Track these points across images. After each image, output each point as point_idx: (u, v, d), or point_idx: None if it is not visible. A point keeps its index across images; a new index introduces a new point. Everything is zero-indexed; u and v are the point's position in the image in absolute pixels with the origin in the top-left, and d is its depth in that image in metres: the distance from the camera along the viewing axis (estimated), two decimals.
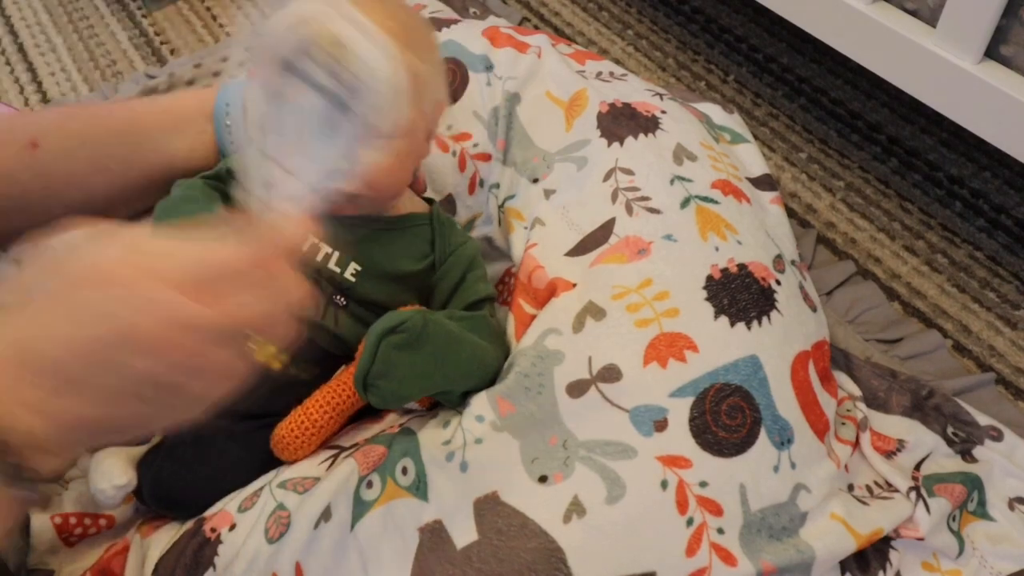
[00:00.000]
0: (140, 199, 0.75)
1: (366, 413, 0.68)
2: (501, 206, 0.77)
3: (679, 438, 0.59)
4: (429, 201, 0.72)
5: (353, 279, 0.63)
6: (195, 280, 0.37)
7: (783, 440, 0.61)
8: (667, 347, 0.61)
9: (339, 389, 0.63)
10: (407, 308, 0.63)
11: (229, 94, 0.72)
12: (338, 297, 0.63)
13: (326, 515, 0.57)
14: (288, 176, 0.41)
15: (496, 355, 0.64)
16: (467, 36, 0.84)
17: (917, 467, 0.71)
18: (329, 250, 0.63)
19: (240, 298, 0.38)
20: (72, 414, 0.37)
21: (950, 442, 0.72)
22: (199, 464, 0.64)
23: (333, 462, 0.63)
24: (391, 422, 0.67)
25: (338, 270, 0.63)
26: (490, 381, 0.63)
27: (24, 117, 0.68)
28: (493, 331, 0.65)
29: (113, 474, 0.63)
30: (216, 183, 0.66)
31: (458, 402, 0.63)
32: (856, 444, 0.71)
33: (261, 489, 0.62)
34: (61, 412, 0.36)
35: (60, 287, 0.38)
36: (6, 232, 0.57)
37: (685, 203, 0.69)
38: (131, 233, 0.39)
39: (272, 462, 0.64)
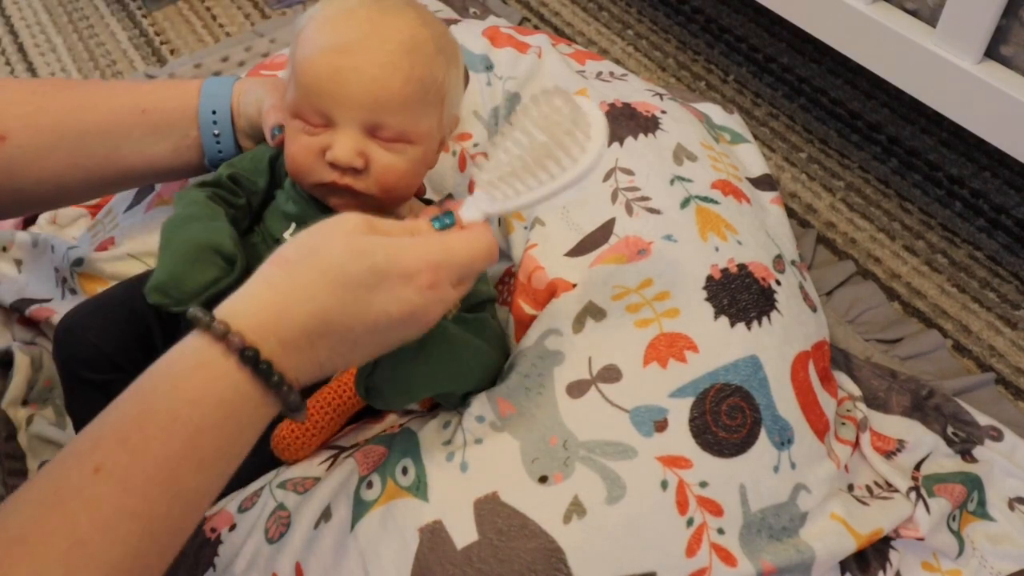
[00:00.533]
0: (119, 190, 0.74)
1: (367, 413, 0.68)
2: None
3: (679, 438, 0.59)
4: (428, 203, 0.72)
5: None
6: (461, 277, 0.49)
7: (783, 440, 0.61)
8: (667, 347, 0.61)
9: (340, 390, 0.63)
10: None
11: (215, 100, 0.69)
12: None
13: (326, 515, 0.58)
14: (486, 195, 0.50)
15: (497, 356, 0.64)
16: (467, 36, 0.84)
17: (917, 467, 0.71)
18: None
19: (459, 243, 0.49)
20: (339, 363, 0.47)
21: (950, 442, 0.72)
22: None
23: (333, 462, 0.63)
24: (391, 422, 0.67)
25: None
26: (491, 382, 0.63)
27: None
28: (494, 332, 0.64)
29: None
30: (215, 190, 0.65)
31: (459, 403, 0.63)
32: (856, 444, 0.71)
33: (261, 489, 0.62)
34: (337, 365, 0.47)
35: (368, 275, 0.45)
36: None
37: (685, 203, 0.69)
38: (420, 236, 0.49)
39: (272, 462, 0.64)
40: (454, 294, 0.49)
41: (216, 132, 0.69)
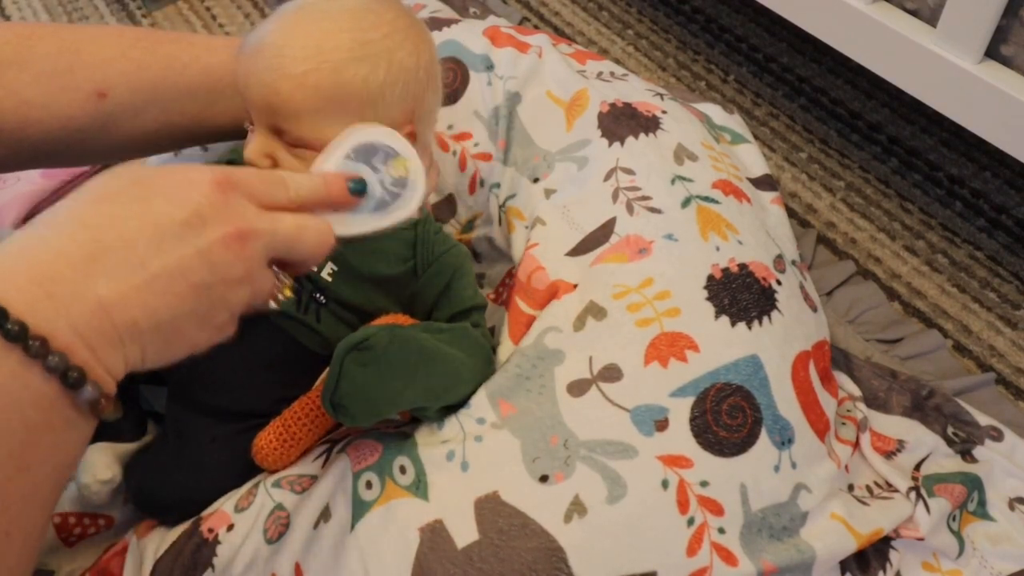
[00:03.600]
0: (208, 143, 0.73)
1: None
2: (502, 206, 0.77)
3: (680, 438, 0.58)
4: (421, 208, 0.70)
5: (329, 279, 0.62)
6: (253, 199, 0.42)
7: (784, 440, 0.61)
8: (668, 347, 0.61)
9: (318, 401, 0.62)
10: (381, 320, 0.62)
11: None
12: (318, 295, 0.62)
13: (325, 515, 0.57)
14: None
15: (477, 368, 0.62)
16: (468, 36, 0.84)
17: (917, 467, 0.71)
18: None
19: (289, 216, 0.43)
20: (131, 306, 0.38)
21: (950, 442, 0.72)
22: (181, 467, 0.63)
23: (327, 458, 0.62)
24: (385, 423, 0.67)
25: (315, 269, 0.62)
26: (470, 394, 0.62)
27: (86, 58, 0.60)
28: (475, 343, 0.63)
29: (97, 469, 0.63)
30: None
31: (436, 418, 0.62)
32: (856, 444, 0.71)
33: (256, 488, 0.62)
34: (120, 304, 0.37)
35: (136, 186, 0.39)
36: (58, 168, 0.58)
37: (686, 203, 0.69)
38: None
39: (256, 468, 0.64)
40: (263, 274, 0.43)
41: None
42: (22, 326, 0.34)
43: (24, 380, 0.35)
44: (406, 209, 0.52)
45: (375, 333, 0.56)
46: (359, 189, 0.50)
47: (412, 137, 0.60)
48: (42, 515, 0.38)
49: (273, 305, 0.46)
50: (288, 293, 0.46)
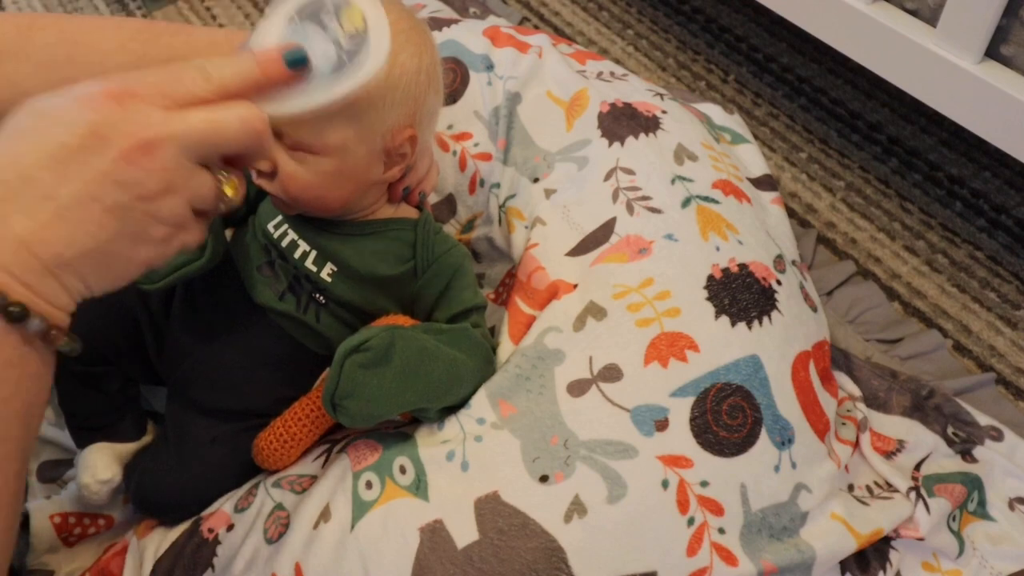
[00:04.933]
0: None
1: None
2: (502, 206, 0.77)
3: (680, 438, 0.58)
4: (419, 208, 0.70)
5: (329, 279, 0.62)
6: (164, 101, 0.40)
7: (784, 440, 0.61)
8: (668, 347, 0.61)
9: (318, 402, 0.62)
10: (382, 321, 0.62)
11: None
12: (317, 295, 0.62)
13: (325, 515, 0.57)
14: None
15: (476, 368, 0.62)
16: (468, 36, 0.84)
17: (917, 467, 0.71)
18: (307, 248, 0.62)
19: (200, 110, 0.40)
20: (52, 241, 0.37)
21: (950, 442, 0.72)
22: (181, 467, 0.63)
23: (327, 458, 0.62)
24: (384, 424, 0.67)
25: (314, 269, 0.62)
26: (470, 394, 0.62)
27: (85, 49, 0.59)
28: (475, 344, 0.63)
29: (97, 469, 0.63)
30: None
31: (436, 418, 0.62)
32: (856, 444, 0.71)
33: (256, 488, 0.62)
34: (41, 240, 0.37)
35: (31, 118, 0.38)
36: None
37: (686, 203, 0.69)
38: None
39: (256, 468, 0.64)
40: (195, 175, 0.41)
41: None
42: None
43: None
44: (365, 69, 0.45)
45: (376, 335, 0.56)
46: (297, 59, 0.44)
47: (413, 140, 0.60)
48: (14, 459, 0.37)
49: (222, 206, 0.43)
50: (229, 191, 0.43)
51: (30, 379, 0.38)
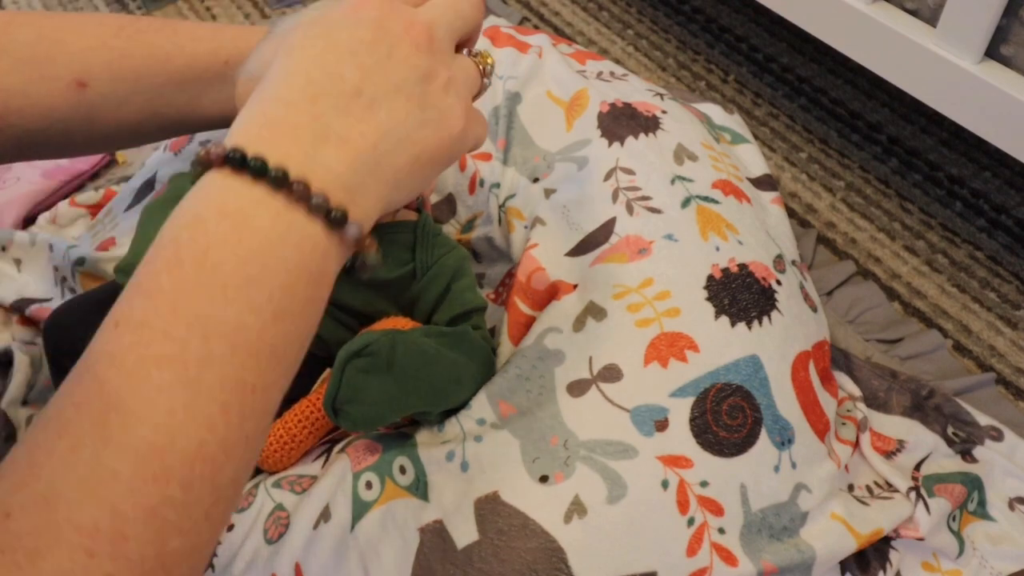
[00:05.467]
0: (195, 131, 0.71)
1: None
2: (502, 206, 0.77)
3: (680, 438, 0.58)
4: (419, 211, 0.70)
5: None
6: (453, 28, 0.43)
7: (784, 440, 0.61)
8: (668, 347, 0.61)
9: (318, 404, 0.62)
10: (381, 323, 0.61)
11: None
12: None
13: (325, 515, 0.57)
14: None
15: (478, 371, 0.62)
16: None
17: (917, 467, 0.71)
18: None
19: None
20: (364, 135, 0.38)
21: (950, 442, 0.72)
22: None
23: (327, 458, 0.62)
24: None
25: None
26: (469, 397, 0.62)
27: (67, 47, 0.59)
28: (476, 346, 0.62)
29: None
30: None
31: (437, 420, 0.62)
32: (856, 444, 0.71)
33: (256, 488, 0.62)
34: (355, 137, 0.38)
35: (314, 27, 0.40)
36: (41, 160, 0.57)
37: (686, 203, 0.69)
38: None
39: (256, 468, 0.64)
40: (462, 59, 0.43)
41: None
42: (284, 172, 0.35)
43: (289, 222, 0.36)
44: None
45: (376, 339, 0.56)
46: None
47: None
48: (291, 367, 0.38)
49: (487, 82, 0.45)
50: (490, 60, 0.45)
51: (325, 288, 0.38)
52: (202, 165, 0.36)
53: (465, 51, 0.46)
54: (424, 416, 0.61)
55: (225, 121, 0.67)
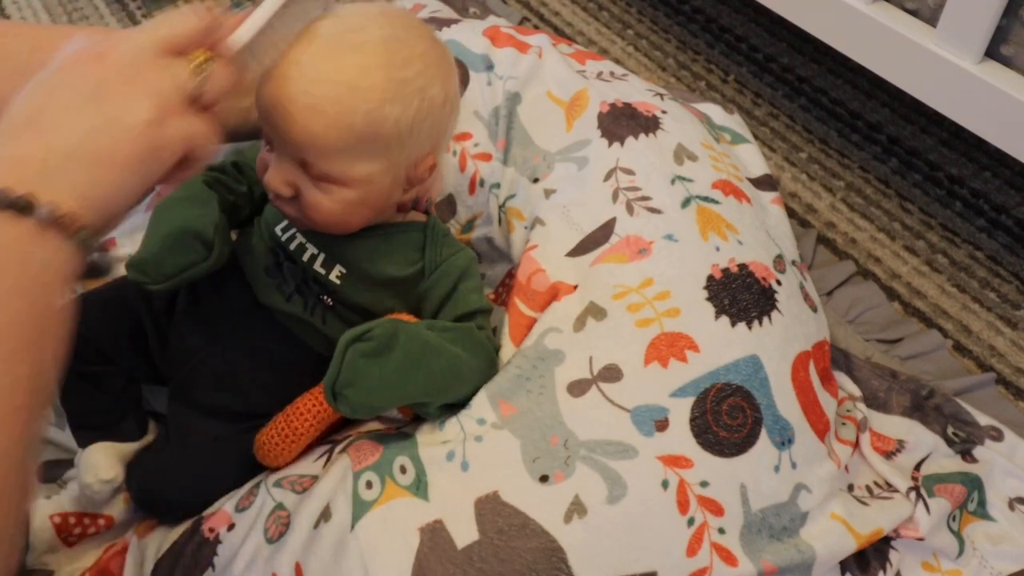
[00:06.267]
0: None
1: (353, 420, 0.67)
2: (502, 206, 0.77)
3: (680, 438, 0.59)
4: (427, 212, 0.70)
5: (338, 282, 0.62)
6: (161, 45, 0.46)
7: (784, 440, 0.61)
8: (668, 347, 0.61)
9: (321, 397, 0.62)
10: (390, 317, 0.62)
11: None
12: (325, 297, 0.62)
13: (326, 515, 0.57)
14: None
15: (478, 368, 0.62)
16: (468, 36, 0.84)
17: (917, 467, 0.71)
18: (315, 251, 0.62)
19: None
20: (50, 138, 0.42)
21: (950, 442, 0.73)
22: (183, 466, 0.63)
23: (329, 458, 0.62)
24: (386, 423, 0.67)
25: (323, 272, 0.62)
26: (471, 394, 0.62)
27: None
28: (479, 344, 0.63)
29: (100, 468, 0.63)
30: (215, 175, 0.65)
31: (437, 415, 0.62)
32: (856, 444, 0.71)
33: (257, 487, 0.62)
34: (42, 141, 0.42)
35: (58, 70, 0.45)
36: None
37: (686, 203, 0.69)
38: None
39: (258, 467, 0.64)
40: (162, 62, 0.45)
41: None
42: None
43: None
44: None
45: (379, 325, 0.56)
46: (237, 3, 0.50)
47: (433, 167, 0.61)
48: (37, 380, 0.40)
49: (201, 75, 0.47)
50: (200, 57, 0.47)
51: (41, 269, 0.41)
52: None
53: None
54: (424, 410, 0.61)
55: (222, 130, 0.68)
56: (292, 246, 0.63)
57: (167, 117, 0.45)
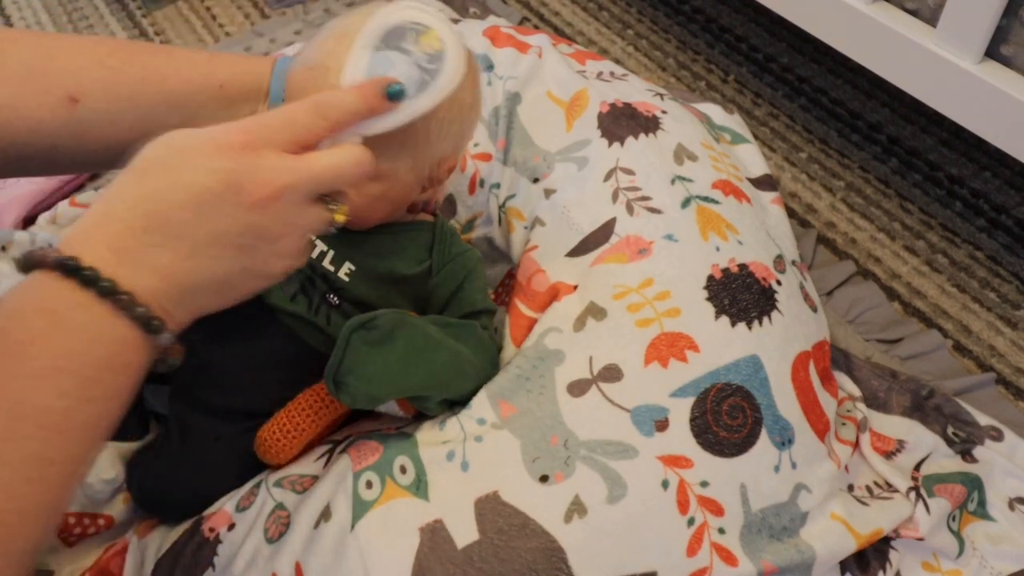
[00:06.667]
0: None
1: (360, 416, 0.67)
2: (502, 206, 0.77)
3: (680, 438, 0.59)
4: (435, 214, 0.71)
5: (347, 279, 0.62)
6: (288, 144, 0.45)
7: (784, 440, 0.61)
8: (668, 347, 0.61)
9: (322, 393, 0.62)
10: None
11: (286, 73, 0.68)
12: (331, 296, 0.63)
13: (326, 515, 0.57)
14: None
15: (480, 365, 0.63)
16: (468, 36, 0.84)
17: (917, 467, 0.71)
18: (324, 248, 0.63)
19: (322, 155, 0.45)
20: (187, 272, 0.43)
21: (950, 442, 0.73)
22: (184, 465, 0.63)
23: (329, 458, 0.62)
24: (387, 423, 0.67)
25: (332, 269, 0.62)
26: (472, 392, 0.63)
27: (61, 63, 0.60)
28: (481, 341, 0.63)
29: (101, 467, 0.63)
30: None
31: (436, 411, 0.62)
32: (856, 444, 0.71)
33: (258, 487, 0.62)
34: (178, 272, 0.43)
35: (172, 156, 0.43)
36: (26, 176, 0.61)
37: (686, 203, 0.69)
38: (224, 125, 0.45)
39: (258, 467, 0.64)
40: (311, 211, 0.45)
41: None
42: (112, 283, 0.40)
43: (109, 324, 0.41)
44: (447, 81, 0.51)
45: (384, 314, 0.57)
46: (396, 92, 0.49)
47: (452, 168, 0.62)
48: (97, 442, 0.42)
49: (332, 229, 0.48)
50: (340, 218, 0.47)
51: (133, 383, 0.43)
52: (33, 264, 0.41)
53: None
54: (423, 403, 0.61)
55: None
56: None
57: (289, 264, 0.47)
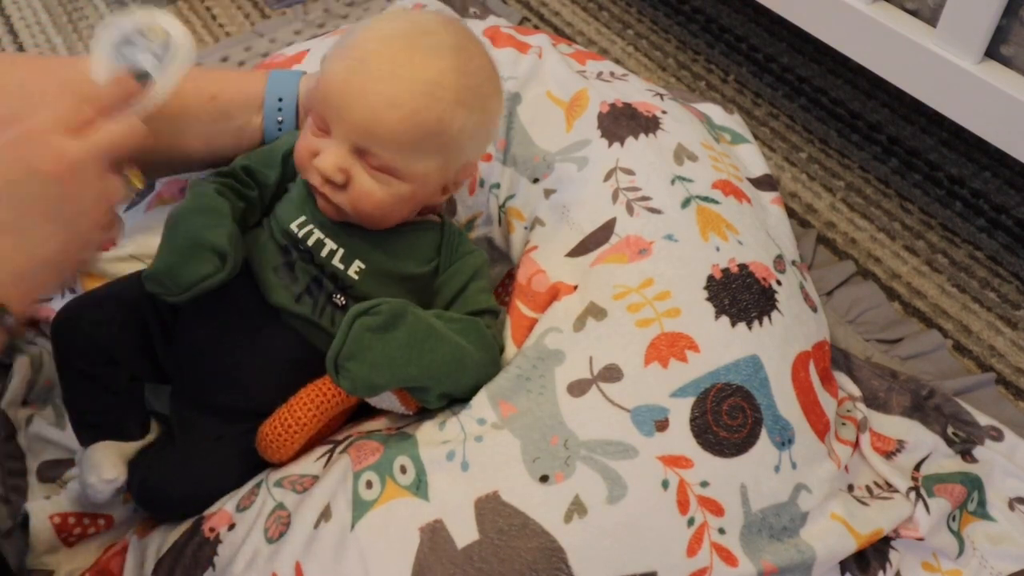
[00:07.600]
0: (176, 173, 0.75)
1: (361, 415, 0.67)
2: (502, 206, 0.77)
3: (680, 438, 0.59)
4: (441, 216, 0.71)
5: (356, 277, 0.63)
6: (71, 123, 0.50)
7: (784, 440, 0.61)
8: (668, 347, 0.61)
9: (324, 388, 0.63)
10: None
11: (282, 87, 0.71)
12: (337, 296, 0.63)
13: (326, 515, 0.57)
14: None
15: (481, 361, 0.63)
16: None
17: (917, 467, 0.71)
18: (334, 246, 0.63)
19: (99, 129, 0.51)
20: (23, 257, 0.47)
21: (950, 442, 0.73)
22: (185, 465, 0.63)
23: (330, 458, 0.62)
24: (386, 424, 0.67)
25: (342, 267, 0.63)
26: (472, 389, 0.63)
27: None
28: (484, 338, 0.63)
29: (102, 468, 0.63)
30: (227, 182, 0.66)
31: (436, 404, 0.62)
32: (856, 444, 0.71)
33: (258, 487, 0.62)
34: (12, 259, 0.47)
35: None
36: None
37: (686, 203, 0.69)
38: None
39: (259, 467, 0.64)
40: (110, 180, 0.51)
41: (280, 119, 0.71)
42: None
43: None
44: (180, 59, 0.58)
45: (388, 302, 0.57)
46: (145, 76, 0.57)
47: (471, 174, 0.65)
48: None
49: (133, 195, 0.54)
50: (137, 182, 0.55)
51: None
52: None
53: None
54: (423, 395, 0.61)
55: (208, 157, 0.70)
56: (310, 242, 0.63)
57: (100, 229, 0.52)
